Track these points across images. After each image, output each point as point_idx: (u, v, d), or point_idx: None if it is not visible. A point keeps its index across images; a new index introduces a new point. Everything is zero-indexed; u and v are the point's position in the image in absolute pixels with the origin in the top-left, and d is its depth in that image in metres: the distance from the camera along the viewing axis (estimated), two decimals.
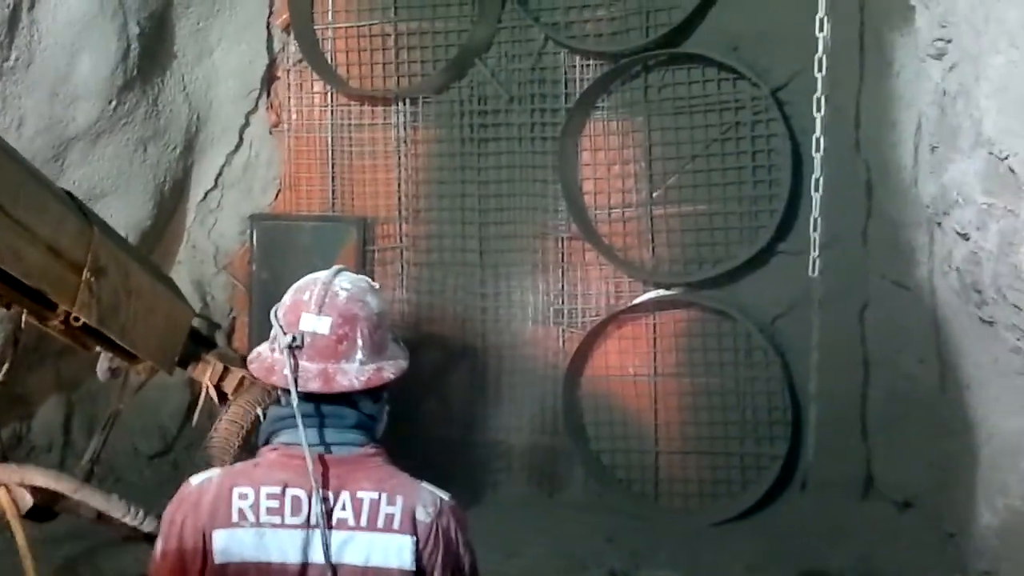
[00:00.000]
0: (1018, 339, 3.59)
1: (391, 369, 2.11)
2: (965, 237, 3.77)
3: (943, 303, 4.36)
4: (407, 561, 1.98)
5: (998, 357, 3.89)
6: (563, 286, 5.87)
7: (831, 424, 5.29)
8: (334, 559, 1.95)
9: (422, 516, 2.00)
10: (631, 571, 4.81)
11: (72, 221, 3.73)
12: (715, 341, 5.61)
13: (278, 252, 6.22)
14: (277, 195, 6.43)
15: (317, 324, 2.05)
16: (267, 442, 2.11)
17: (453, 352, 6.01)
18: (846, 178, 5.14)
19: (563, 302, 5.86)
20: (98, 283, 3.80)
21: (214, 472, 2.10)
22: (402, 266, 6.16)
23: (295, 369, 2.02)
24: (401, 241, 6.17)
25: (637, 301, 5.67)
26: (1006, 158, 3.34)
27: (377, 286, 2.22)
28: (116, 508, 3.66)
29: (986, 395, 4.08)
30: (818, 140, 4.70)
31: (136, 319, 3.89)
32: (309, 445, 1.99)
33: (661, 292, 5.66)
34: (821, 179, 4.78)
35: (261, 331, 6.28)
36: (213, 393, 4.41)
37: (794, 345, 5.41)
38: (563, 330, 5.86)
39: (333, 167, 6.27)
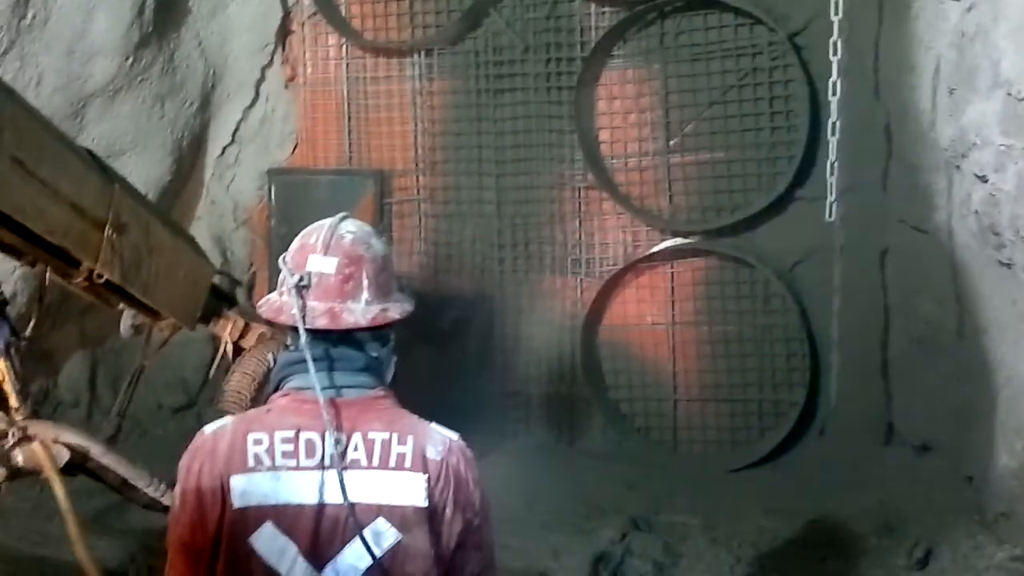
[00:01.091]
0: None
1: (396, 310, 2.13)
2: (983, 179, 3.76)
3: (962, 246, 4.35)
4: (420, 498, 2.01)
5: (1016, 299, 3.89)
6: (580, 236, 5.88)
7: (851, 370, 5.31)
8: (350, 498, 1.99)
9: (432, 455, 2.03)
10: (651, 517, 4.85)
11: (94, 179, 3.75)
12: (733, 289, 5.62)
13: (296, 206, 6.25)
14: (294, 149, 6.45)
15: (323, 264, 2.07)
16: (278, 388, 2.14)
17: (471, 303, 6.04)
18: (865, 123, 5.11)
19: (580, 252, 5.87)
20: (120, 240, 3.83)
21: (228, 420, 2.12)
22: (420, 218, 6.19)
23: (303, 308, 2.05)
24: (418, 193, 6.19)
25: (654, 250, 5.68)
26: None
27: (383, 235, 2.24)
28: (139, 478, 3.72)
29: (1004, 338, 4.08)
30: (834, 84, 4.67)
31: (158, 276, 3.92)
32: (320, 388, 2.01)
33: (679, 240, 5.67)
34: (838, 123, 4.75)
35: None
36: (231, 349, 4.45)
37: (812, 291, 5.41)
38: (581, 280, 5.88)
39: (349, 120, 6.28)
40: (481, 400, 5.91)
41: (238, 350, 4.45)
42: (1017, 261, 3.69)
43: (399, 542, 2.01)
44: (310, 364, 2.01)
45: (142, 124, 5.71)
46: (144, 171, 5.75)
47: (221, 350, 4.48)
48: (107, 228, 3.75)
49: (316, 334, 2.06)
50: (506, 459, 5.61)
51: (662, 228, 5.71)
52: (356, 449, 2.02)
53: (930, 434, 4.91)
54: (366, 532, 1.99)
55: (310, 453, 2.02)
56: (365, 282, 2.09)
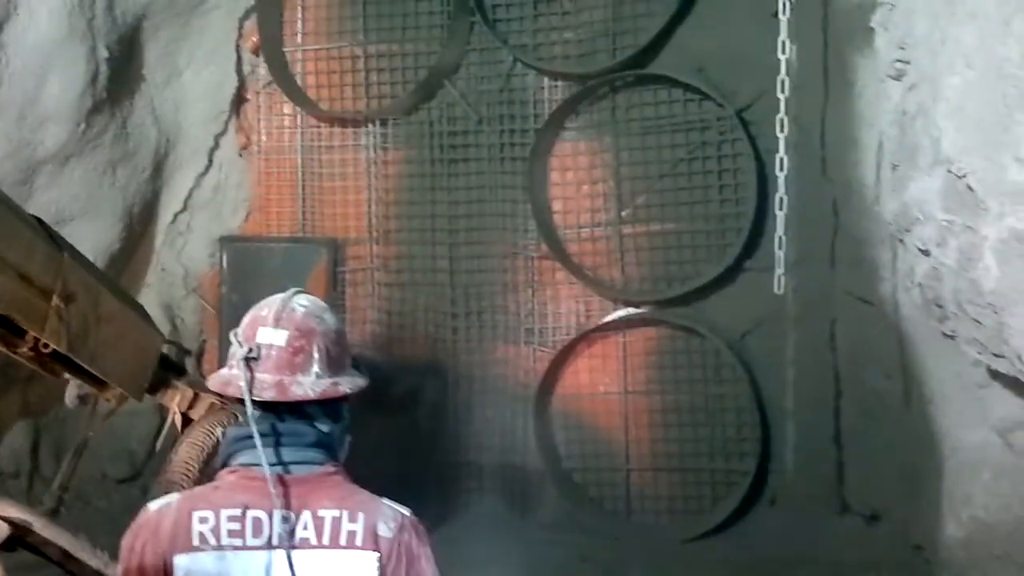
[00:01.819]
0: (979, 353, 3.65)
1: (348, 384, 2.13)
2: (926, 253, 3.85)
3: (907, 318, 4.44)
4: None
5: (960, 371, 3.97)
6: (533, 305, 5.90)
7: (803, 440, 5.34)
8: None
9: (384, 532, 2.02)
10: None
11: (42, 247, 3.71)
12: (684, 358, 5.66)
13: (248, 274, 6.22)
14: (247, 217, 6.44)
15: (274, 337, 2.07)
16: (225, 464, 2.11)
17: (424, 372, 6.02)
18: (812, 197, 5.21)
19: (533, 321, 5.89)
20: (67, 309, 3.78)
21: (173, 497, 2.09)
22: (373, 287, 6.18)
23: (251, 381, 2.04)
24: (372, 262, 6.19)
25: (607, 319, 5.72)
26: (964, 176, 3.42)
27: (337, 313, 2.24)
28: (82, 549, 3.64)
29: (949, 408, 4.16)
30: (781, 160, 4.76)
31: (105, 345, 3.86)
32: (268, 465, 1.99)
33: (630, 310, 5.71)
34: (785, 198, 4.84)
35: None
36: (179, 420, 4.39)
37: (762, 361, 5.46)
38: (534, 349, 5.89)
39: (303, 188, 6.29)
40: (433, 470, 5.87)
41: (187, 420, 4.39)
42: (960, 333, 3.76)
43: None
44: (257, 439, 1.99)
45: (93, 190, 5.68)
46: (94, 238, 5.70)
47: (169, 420, 4.41)
48: (54, 297, 3.70)
49: (265, 408, 2.05)
50: (458, 530, 5.57)
51: (614, 298, 5.75)
52: (306, 528, 2.00)
53: (880, 504, 4.95)
54: None
55: (257, 532, 1.99)
56: (316, 355, 2.08)
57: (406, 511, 2.11)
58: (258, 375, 2.06)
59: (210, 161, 6.33)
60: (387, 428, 5.93)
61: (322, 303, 2.22)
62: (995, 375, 3.70)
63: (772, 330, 5.41)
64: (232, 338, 2.13)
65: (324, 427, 2.11)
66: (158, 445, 4.96)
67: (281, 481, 2.01)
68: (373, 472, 5.72)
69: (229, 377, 2.09)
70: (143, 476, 6.20)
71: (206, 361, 6.42)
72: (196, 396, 4.36)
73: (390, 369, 6.01)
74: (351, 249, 6.22)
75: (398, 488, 5.64)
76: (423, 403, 6.03)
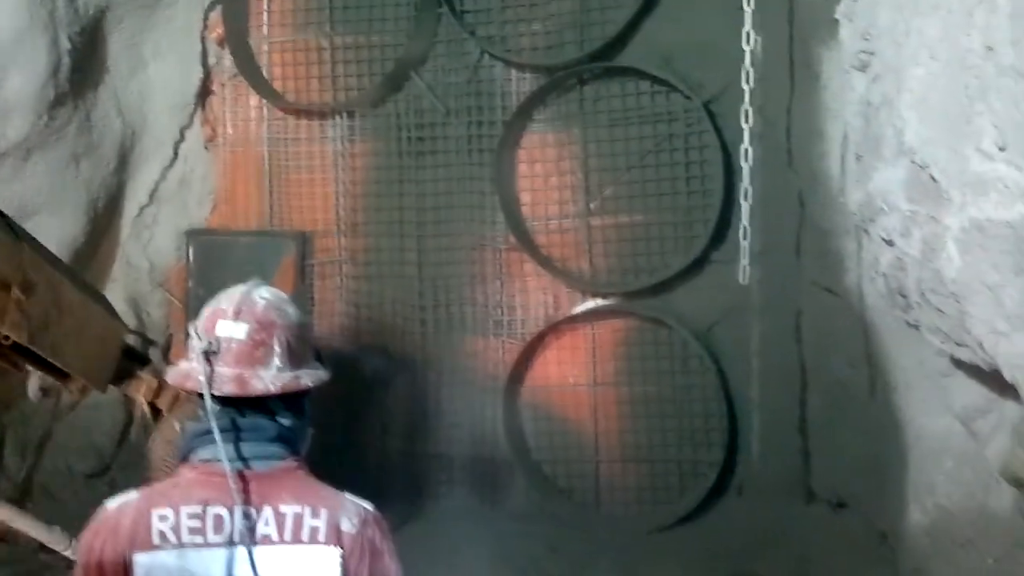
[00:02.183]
0: (941, 342, 3.68)
1: (309, 378, 2.10)
2: (890, 243, 3.87)
3: (871, 308, 4.47)
4: (334, 573, 1.98)
5: (923, 360, 4.01)
6: (502, 297, 5.90)
7: (769, 429, 5.38)
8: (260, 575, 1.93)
9: (347, 527, 2.01)
10: None
11: (1, 238, 3.67)
12: (652, 350, 5.68)
13: (215, 268, 6.17)
14: (213, 210, 6.38)
15: (234, 330, 2.05)
16: (185, 460, 2.08)
17: (393, 364, 6.01)
18: (778, 188, 5.24)
19: (502, 313, 5.89)
20: (28, 301, 3.74)
21: (132, 495, 2.06)
22: (341, 279, 6.15)
23: (210, 374, 2.00)
24: (340, 255, 6.16)
25: (575, 311, 5.73)
26: (927, 167, 3.44)
27: (299, 306, 2.21)
28: (55, 539, 3.61)
29: (913, 397, 4.19)
30: (746, 151, 4.76)
31: (67, 337, 3.83)
32: (227, 459, 1.97)
33: (599, 302, 5.72)
34: (750, 189, 4.85)
35: None
36: (147, 410, 4.36)
37: (729, 352, 5.50)
38: (502, 341, 5.89)
39: (270, 181, 6.25)
40: (403, 463, 5.86)
41: (155, 410, 4.36)
42: (923, 322, 3.79)
43: None
44: (217, 435, 1.97)
45: (56, 183, 5.61)
46: (57, 231, 5.63)
47: (138, 412, 4.38)
48: (14, 289, 3.67)
49: (225, 403, 2.02)
50: (427, 523, 5.57)
51: (583, 289, 5.77)
52: (267, 524, 1.98)
53: (845, 492, 4.99)
54: None
55: (218, 529, 1.97)
56: (277, 348, 2.06)
57: (369, 506, 2.10)
58: (217, 369, 2.03)
59: (175, 154, 6.26)
60: (356, 421, 5.92)
61: (284, 295, 2.19)
62: (958, 364, 3.73)
63: (739, 321, 5.44)
64: (191, 331, 2.09)
65: (286, 421, 2.09)
66: (131, 436, 4.93)
67: (241, 477, 1.99)
68: (342, 465, 5.71)
69: (188, 371, 2.06)
70: (111, 470, 6.14)
71: (173, 355, 6.34)
72: (161, 386, 4.34)
73: (358, 362, 6.00)
74: (319, 242, 6.19)
75: (367, 481, 5.65)
76: (392, 395, 6.01)
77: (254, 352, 2.05)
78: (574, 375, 5.81)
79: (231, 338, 2.05)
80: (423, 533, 5.45)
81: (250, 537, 1.96)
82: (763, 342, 5.32)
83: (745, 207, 4.70)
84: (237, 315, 2.08)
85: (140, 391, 4.32)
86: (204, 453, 2.04)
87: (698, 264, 5.51)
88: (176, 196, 6.33)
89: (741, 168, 5.13)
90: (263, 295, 2.13)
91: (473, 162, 5.88)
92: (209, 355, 2.03)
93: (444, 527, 5.51)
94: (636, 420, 5.71)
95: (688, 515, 5.46)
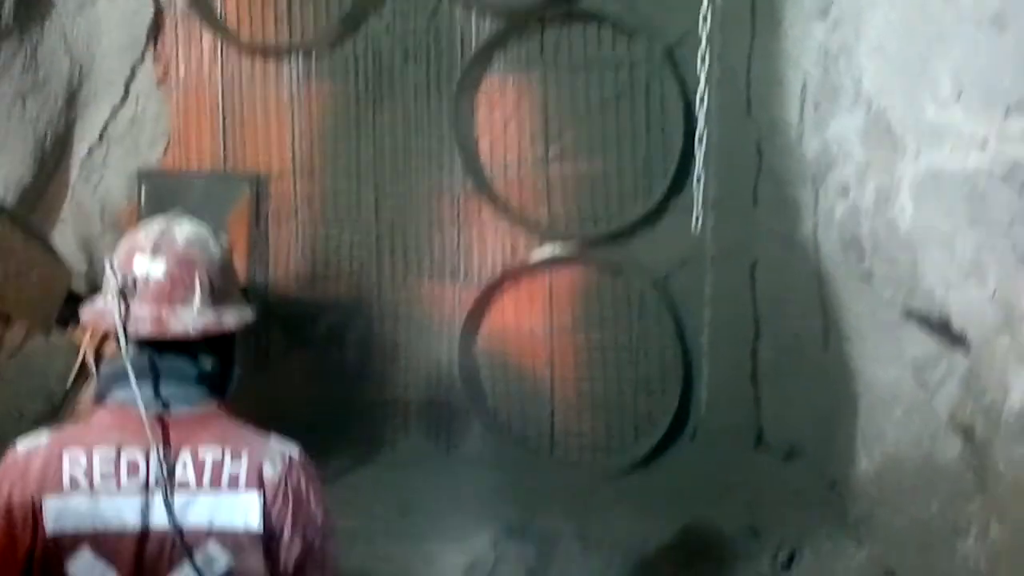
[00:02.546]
0: (894, 292, 3.71)
1: (233, 319, 1.99)
2: (845, 193, 3.89)
3: (826, 258, 4.49)
4: (254, 521, 1.89)
5: (876, 310, 4.04)
6: (459, 243, 5.85)
7: (722, 378, 5.42)
8: (177, 522, 1.86)
9: (269, 473, 1.91)
10: (525, 524, 4.85)
11: None
12: (609, 298, 5.68)
13: (168, 210, 6.04)
14: (166, 151, 6.21)
15: (151, 267, 1.93)
16: (101, 401, 1.98)
17: (349, 310, 5.95)
18: (737, 137, 5.23)
19: (459, 259, 5.84)
20: None
21: (43, 436, 1.95)
22: (297, 224, 6.05)
23: (126, 314, 1.90)
24: (296, 199, 6.06)
25: (533, 258, 5.70)
26: (883, 114, 3.44)
27: (225, 241, 2.10)
28: None
29: (865, 346, 4.23)
30: (702, 96, 4.70)
31: (7, 279, 3.74)
32: (144, 402, 1.87)
33: (556, 249, 5.70)
34: (705, 135, 4.82)
35: None
36: (91, 357, 4.29)
37: (685, 301, 5.51)
38: (459, 287, 5.85)
39: (224, 122, 6.11)
40: (358, 407, 5.83)
41: (99, 358, 4.29)
42: (876, 273, 3.82)
43: (233, 568, 1.89)
44: (131, 375, 1.87)
45: (2, 122, 5.44)
46: (4, 171, 5.48)
47: (80, 358, 4.30)
48: None
49: (144, 342, 1.93)
50: (382, 467, 5.57)
51: (541, 236, 5.73)
52: (185, 468, 1.89)
53: (796, 440, 5.05)
54: (198, 557, 1.86)
55: (132, 473, 1.88)
56: (198, 287, 1.95)
57: (294, 450, 2.00)
58: (134, 308, 1.91)
59: (126, 92, 6.08)
60: (311, 366, 5.89)
61: (206, 229, 2.05)
62: (909, 314, 3.76)
63: (696, 270, 5.45)
64: (107, 266, 1.96)
65: (208, 363, 1.99)
66: (69, 383, 4.85)
67: (159, 420, 1.90)
68: (297, 409, 5.69)
69: (103, 310, 1.95)
70: (60, 414, 6.06)
71: None
72: (106, 335, 4.26)
73: (314, 306, 5.95)
74: (275, 185, 6.07)
75: (324, 426, 5.63)
76: (348, 341, 5.96)
77: (173, 291, 1.93)
78: (531, 322, 5.80)
79: (148, 276, 1.93)
80: (378, 477, 5.46)
81: (167, 483, 1.86)
82: (717, 291, 5.33)
83: (700, 153, 4.67)
84: (155, 251, 1.94)
85: (85, 336, 4.24)
86: (120, 395, 1.93)
87: (657, 212, 5.50)
88: (127, 136, 6.17)
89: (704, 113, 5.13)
90: (183, 229, 2.00)
91: (432, 106, 5.79)
92: (125, 293, 1.91)
93: (399, 472, 5.51)
94: (592, 367, 5.72)
95: (642, 461, 5.51)
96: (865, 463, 4.17)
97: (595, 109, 5.58)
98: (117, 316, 1.89)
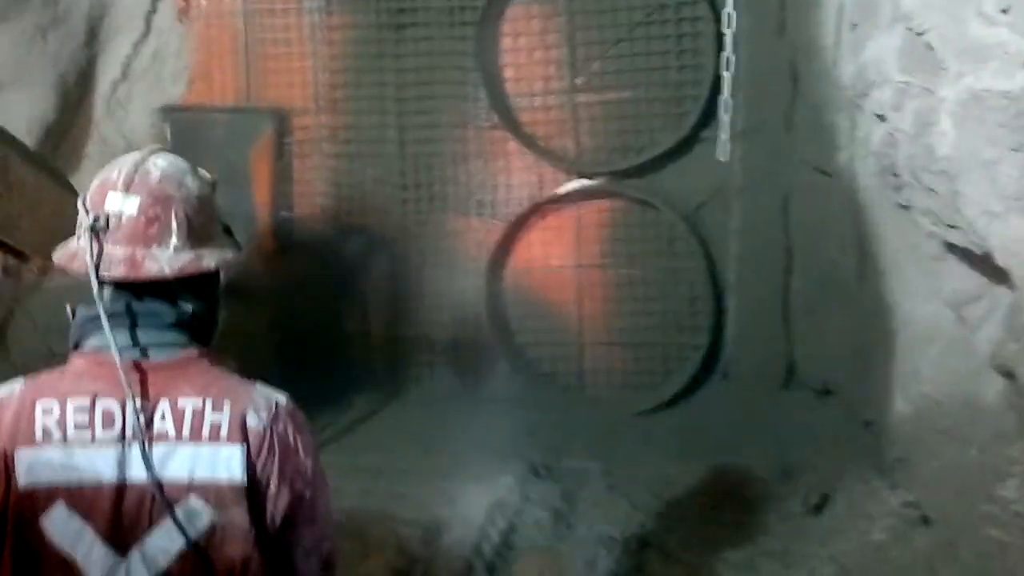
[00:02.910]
0: (933, 224, 3.53)
1: (213, 258, 1.87)
2: (882, 118, 3.68)
3: (863, 189, 4.29)
4: (236, 473, 1.78)
5: (914, 243, 3.85)
6: (485, 177, 5.71)
7: (753, 313, 5.27)
8: (155, 475, 1.76)
9: (253, 422, 1.80)
10: (552, 463, 4.77)
11: None
12: (638, 231, 5.52)
13: (191, 146, 5.96)
14: (189, 86, 6.13)
15: (124, 204, 1.80)
16: (77, 347, 1.86)
17: (373, 245, 5.85)
18: (770, 60, 5.01)
19: (485, 193, 5.71)
20: None
21: (16, 384, 1.84)
22: (320, 158, 5.94)
23: (98, 254, 1.78)
24: (319, 132, 5.94)
25: (560, 191, 5.55)
26: (923, 33, 3.23)
27: (207, 175, 1.97)
28: None
29: (902, 281, 4.04)
30: (729, 16, 4.44)
31: (20, 215, 3.67)
32: (120, 349, 1.76)
33: (584, 182, 5.54)
34: (732, 58, 4.57)
35: None
36: None
37: (717, 234, 5.35)
38: (485, 221, 5.72)
39: (246, 56, 5.98)
40: (382, 345, 5.77)
41: None
42: (914, 203, 3.63)
43: (216, 522, 1.78)
44: (104, 321, 1.75)
45: (22, 57, 5.38)
46: (26, 107, 5.43)
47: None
48: None
49: (120, 285, 1.81)
50: (407, 406, 5.51)
51: (568, 169, 5.58)
52: (163, 418, 1.78)
53: (830, 378, 4.89)
54: (178, 511, 1.76)
55: (108, 424, 1.77)
56: (174, 225, 1.82)
57: (282, 397, 1.88)
58: (107, 248, 1.79)
59: (148, 27, 5.99)
60: (335, 303, 5.82)
61: (184, 164, 1.91)
62: (949, 247, 3.57)
63: (728, 202, 5.27)
64: (79, 204, 1.84)
65: (188, 306, 1.87)
66: None
67: (136, 367, 1.79)
68: (318, 345, 5.62)
69: (76, 250, 1.83)
70: None
71: None
72: None
73: (338, 242, 5.86)
74: (297, 119, 5.96)
75: (345, 363, 5.55)
76: (373, 277, 5.87)
77: (148, 229, 1.80)
78: (558, 257, 5.67)
79: (121, 213, 1.80)
80: (402, 416, 5.40)
81: (144, 433, 1.75)
82: (748, 223, 5.16)
83: (727, 78, 4.44)
84: (128, 187, 1.81)
85: None
86: (95, 340, 1.81)
87: (687, 142, 5.31)
88: (150, 72, 6.08)
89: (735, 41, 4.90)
90: (159, 164, 1.85)
91: (455, 36, 5.61)
92: (97, 232, 1.79)
93: (424, 410, 5.46)
94: (621, 303, 5.59)
95: (671, 399, 5.39)
96: (901, 403, 4.00)
97: (623, 35, 5.37)
98: (88, 257, 1.77)
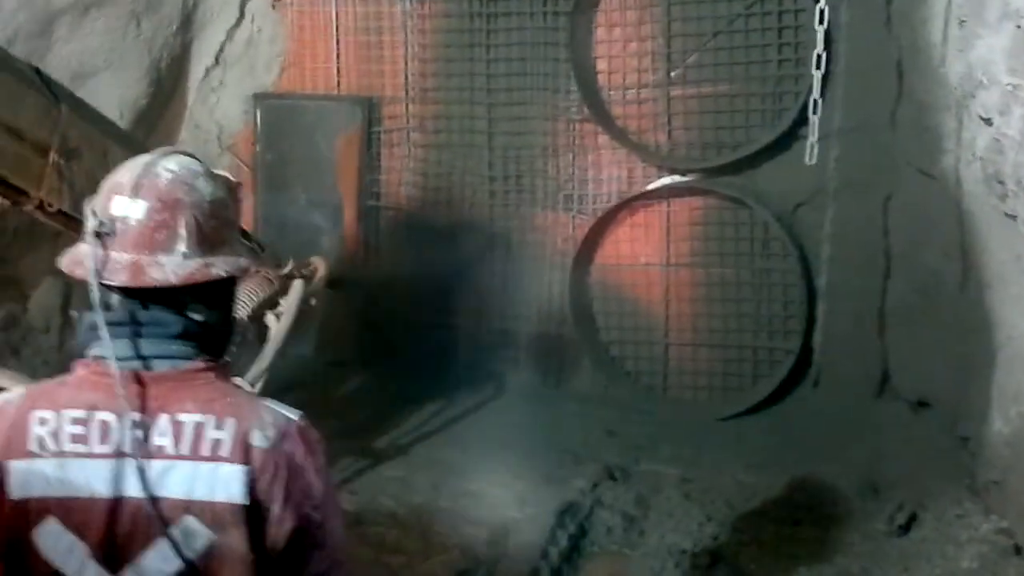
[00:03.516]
0: None
1: (223, 266, 1.78)
2: (988, 122, 3.45)
3: (969, 195, 4.04)
4: (237, 494, 1.69)
5: (1020, 254, 3.60)
6: (574, 170, 5.60)
7: (848, 319, 5.05)
8: (152, 492, 1.67)
9: (259, 441, 1.71)
10: (628, 466, 4.66)
11: (33, 99, 3.54)
12: (731, 230, 5.35)
13: (283, 132, 6.03)
14: (281, 73, 6.17)
15: (130, 208, 1.72)
16: (80, 355, 1.78)
17: (459, 237, 5.80)
18: (875, 58, 4.77)
19: (574, 187, 5.60)
20: (69, 166, 3.62)
21: (16, 393, 1.78)
22: (409, 148, 5.93)
23: (103, 261, 1.70)
24: (408, 122, 5.92)
25: (651, 187, 5.41)
26: None
27: (227, 177, 1.89)
28: None
29: (1007, 294, 3.80)
30: (822, 11, 4.21)
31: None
32: (122, 359, 1.69)
33: (676, 178, 5.38)
34: (823, 55, 4.35)
35: (267, 214, 6.11)
36: None
37: (814, 236, 5.14)
38: (573, 216, 5.62)
39: (338, 44, 6.00)
40: (464, 339, 5.72)
41: None
42: (1020, 213, 3.39)
43: (214, 544, 1.70)
44: (103, 329, 1.67)
45: (117, 43, 5.45)
46: (119, 92, 5.51)
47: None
48: (52, 154, 3.55)
49: (127, 292, 1.73)
50: (487, 401, 5.45)
51: (659, 164, 5.43)
52: (163, 434, 1.70)
53: (926, 390, 4.64)
54: (175, 531, 1.68)
55: (104, 437, 1.70)
56: (183, 231, 1.74)
57: (294, 415, 1.79)
58: (112, 254, 1.71)
59: (241, 14, 6.05)
60: (418, 294, 5.79)
61: (198, 166, 1.83)
62: None
63: (827, 203, 5.05)
64: (86, 209, 1.77)
65: (198, 315, 1.79)
66: None
67: (137, 379, 1.72)
68: (398, 339, 5.57)
69: (81, 255, 1.74)
70: None
71: (243, 221, 6.26)
72: None
73: (424, 234, 5.82)
74: (387, 108, 5.95)
75: (426, 357, 5.50)
76: (457, 270, 5.82)
77: (154, 235, 1.73)
78: (646, 254, 5.53)
79: (127, 217, 1.72)
80: (481, 411, 5.35)
81: (141, 448, 1.67)
82: (846, 226, 4.94)
83: (816, 76, 4.23)
84: (136, 191, 1.73)
85: None
86: (98, 349, 1.73)
87: (785, 140, 5.10)
88: (243, 58, 6.14)
89: (838, 36, 4.69)
90: (169, 167, 1.78)
91: (548, 26, 5.52)
92: (103, 237, 1.71)
93: (503, 406, 5.39)
94: (710, 303, 5.43)
95: (759, 404, 5.21)
96: (999, 423, 3.77)
97: (722, 27, 5.19)
98: (91, 262, 1.70)
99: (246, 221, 6.18)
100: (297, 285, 4.40)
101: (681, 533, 3.92)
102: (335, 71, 6.01)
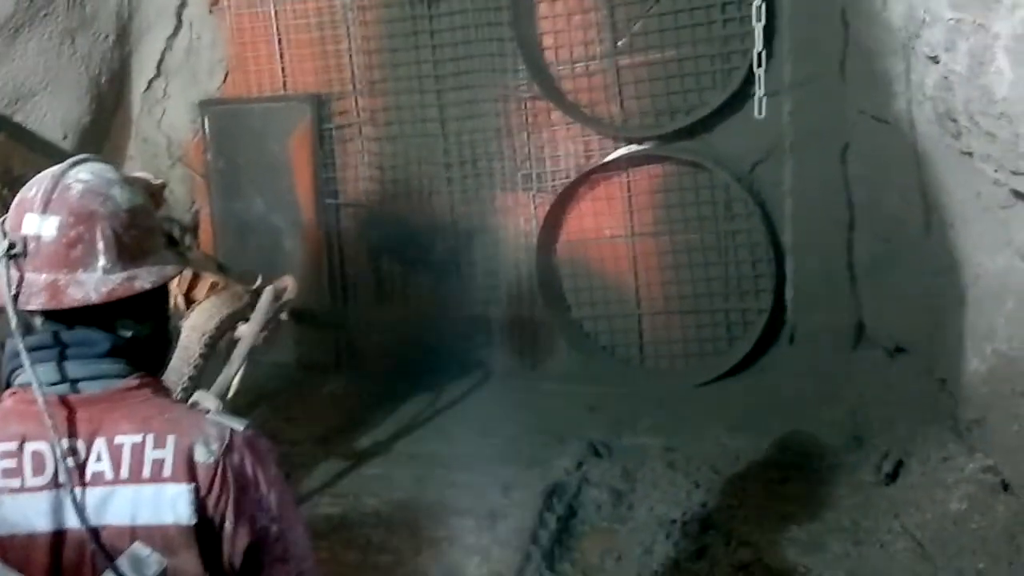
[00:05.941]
0: (996, 170, 3.27)
1: (148, 277, 1.69)
2: (935, 60, 3.42)
3: (923, 136, 4.01)
4: (184, 514, 1.60)
5: (980, 191, 3.58)
6: (530, 149, 5.55)
7: (818, 273, 5.03)
8: (93, 521, 1.59)
9: (202, 456, 1.63)
10: (613, 441, 4.63)
11: None
12: (692, 195, 5.31)
13: (233, 138, 5.93)
14: (225, 78, 6.07)
15: (42, 225, 1.62)
16: (8, 384, 1.68)
17: (421, 227, 5.74)
18: (819, 7, 4.74)
19: (531, 166, 5.55)
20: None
21: None
22: (362, 142, 5.84)
23: (17, 283, 1.61)
24: (358, 116, 5.84)
25: (608, 159, 5.36)
26: None
27: (149, 180, 1.81)
28: None
29: (970, 232, 3.78)
30: None
31: None
32: (47, 384, 1.61)
33: (633, 147, 5.34)
34: (763, 6, 4.28)
35: (225, 221, 6.01)
36: (181, 303, 4.18)
37: (775, 193, 5.11)
38: (533, 195, 5.56)
39: (280, 43, 5.90)
40: (437, 328, 5.66)
41: (190, 302, 4.18)
42: (976, 149, 3.37)
43: (166, 569, 1.61)
44: (23, 355, 1.59)
45: (52, 62, 5.32)
46: (60, 112, 5.39)
47: (171, 303, 4.21)
48: None
49: (48, 315, 1.64)
50: (465, 388, 5.41)
51: (614, 136, 5.38)
52: (100, 459, 1.61)
53: (902, 336, 4.63)
54: (122, 561, 1.59)
55: (38, 469, 1.61)
56: (101, 245, 1.64)
57: (239, 425, 1.70)
58: (28, 275, 1.62)
59: (179, 21, 5.94)
60: (386, 286, 5.73)
61: (111, 174, 1.72)
62: (1017, 194, 3.31)
63: (785, 158, 5.02)
64: None
65: (127, 331, 1.69)
66: None
67: (64, 404, 1.63)
68: (378, 334, 5.47)
69: None
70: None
71: (202, 231, 6.18)
72: (196, 276, 4.15)
73: (386, 226, 5.76)
74: (336, 104, 5.86)
75: (401, 350, 5.42)
76: (423, 259, 5.76)
77: (70, 252, 1.63)
78: (611, 227, 5.49)
79: (39, 236, 1.62)
80: (459, 399, 5.30)
81: (78, 477, 1.59)
82: (805, 180, 4.91)
83: (759, 29, 4.19)
84: (46, 206, 1.62)
85: (174, 283, 4.11)
86: (23, 377, 1.63)
87: (738, 99, 5.05)
88: (185, 66, 6.03)
89: None
90: (81, 177, 1.66)
91: (490, 6, 5.44)
92: (15, 257, 1.61)
93: (481, 392, 5.35)
94: (678, 270, 5.39)
95: (737, 367, 5.19)
96: (975, 362, 3.75)
97: None
98: (5, 286, 1.61)
99: (204, 230, 6.11)
100: (268, 291, 4.32)
101: (669, 503, 3.90)
102: (280, 71, 5.91)
